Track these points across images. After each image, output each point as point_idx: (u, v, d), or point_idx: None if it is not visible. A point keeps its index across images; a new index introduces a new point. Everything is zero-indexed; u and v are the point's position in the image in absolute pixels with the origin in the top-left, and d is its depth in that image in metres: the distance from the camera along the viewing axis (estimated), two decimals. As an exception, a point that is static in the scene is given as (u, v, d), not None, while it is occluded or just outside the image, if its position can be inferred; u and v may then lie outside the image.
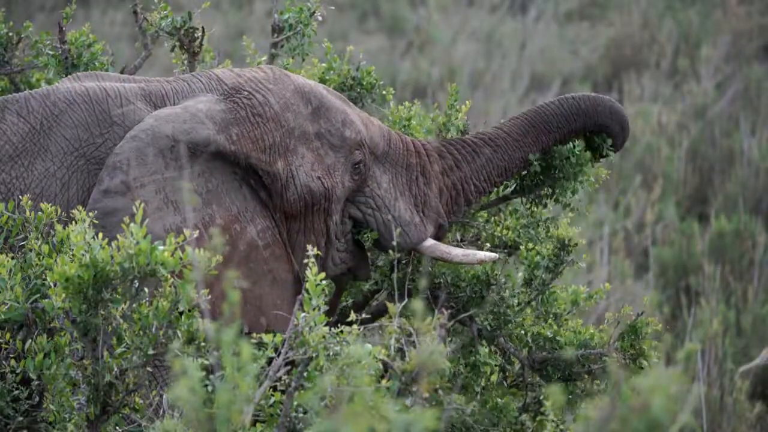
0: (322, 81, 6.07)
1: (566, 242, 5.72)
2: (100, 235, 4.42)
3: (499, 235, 5.82)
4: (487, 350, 5.64)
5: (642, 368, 5.59)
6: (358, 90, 6.06)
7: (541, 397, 5.71)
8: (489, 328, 5.70)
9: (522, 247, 5.77)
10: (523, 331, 5.71)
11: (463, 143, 5.69)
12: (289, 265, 5.34)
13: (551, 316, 5.75)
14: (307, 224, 5.38)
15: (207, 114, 5.22)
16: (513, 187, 5.88)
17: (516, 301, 5.74)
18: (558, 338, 5.67)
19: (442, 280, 5.74)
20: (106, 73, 5.39)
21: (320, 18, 6.03)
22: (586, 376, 5.66)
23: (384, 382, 4.27)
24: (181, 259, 4.32)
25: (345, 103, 5.52)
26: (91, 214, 4.76)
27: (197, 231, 5.03)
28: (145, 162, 5.09)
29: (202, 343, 4.31)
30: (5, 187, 5.05)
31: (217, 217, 5.16)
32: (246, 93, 5.31)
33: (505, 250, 5.87)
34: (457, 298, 5.72)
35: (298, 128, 5.34)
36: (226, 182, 5.22)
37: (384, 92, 6.06)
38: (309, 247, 4.55)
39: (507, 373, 5.79)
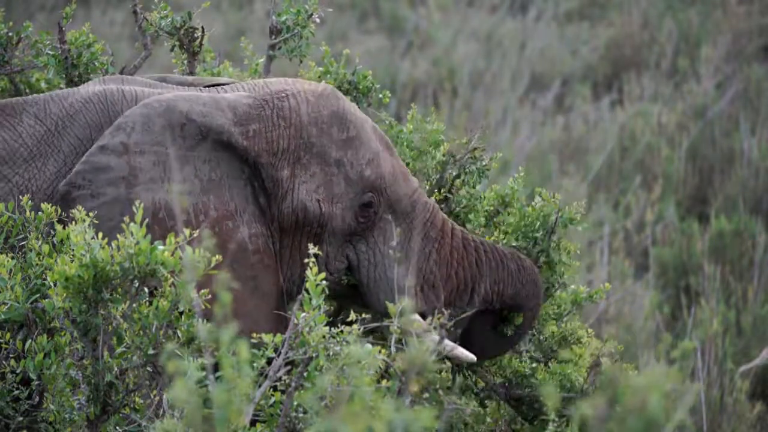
0: (319, 84, 6.05)
1: (558, 263, 5.66)
2: (100, 234, 4.41)
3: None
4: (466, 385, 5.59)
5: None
6: (354, 94, 6.04)
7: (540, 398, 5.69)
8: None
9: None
10: (502, 364, 5.63)
11: (494, 247, 5.44)
12: (276, 278, 5.18)
13: (540, 350, 5.69)
14: (295, 243, 5.19)
15: (230, 104, 5.11)
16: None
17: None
18: (534, 380, 5.59)
19: None
20: (135, 78, 5.35)
21: (318, 20, 6.01)
22: (559, 419, 5.54)
23: (384, 382, 4.27)
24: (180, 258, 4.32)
25: (387, 149, 5.32)
26: (81, 166, 4.76)
27: (185, 214, 4.96)
28: (150, 130, 5.00)
29: (202, 343, 4.31)
30: (17, 190, 5.05)
31: (212, 208, 5.04)
32: (282, 96, 5.18)
33: None
34: None
35: (319, 146, 5.18)
36: (231, 177, 5.10)
37: (381, 95, 6.04)
38: (310, 246, 4.52)
39: (487, 409, 5.72)
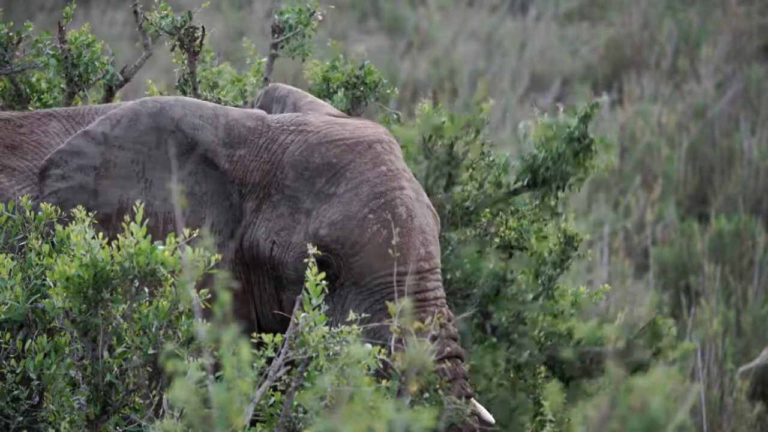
0: (326, 79, 6.05)
1: (573, 237, 5.71)
2: (101, 234, 4.41)
3: (503, 234, 5.78)
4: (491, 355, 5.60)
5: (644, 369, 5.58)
6: (362, 89, 6.03)
7: (540, 398, 5.71)
8: (506, 324, 5.66)
9: (532, 239, 5.73)
10: (537, 328, 5.67)
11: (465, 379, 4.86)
12: (238, 307, 4.85)
13: (558, 312, 5.73)
14: (260, 281, 4.95)
15: (228, 123, 4.98)
16: (523, 181, 5.82)
17: (530, 296, 5.71)
18: (572, 333, 5.63)
19: (451, 276, 5.66)
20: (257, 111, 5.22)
21: (320, 17, 6.01)
22: (591, 375, 5.60)
23: (384, 382, 4.28)
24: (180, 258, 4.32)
25: (381, 223, 4.82)
26: (61, 146, 4.82)
27: (147, 218, 4.68)
28: (135, 128, 4.96)
29: (202, 344, 4.31)
30: None
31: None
32: (290, 129, 4.96)
33: (508, 251, 5.84)
34: (470, 295, 5.66)
35: (293, 191, 4.91)
36: (215, 195, 4.96)
37: (388, 91, 6.02)
38: (308, 246, 4.49)
39: (511, 374, 5.75)
